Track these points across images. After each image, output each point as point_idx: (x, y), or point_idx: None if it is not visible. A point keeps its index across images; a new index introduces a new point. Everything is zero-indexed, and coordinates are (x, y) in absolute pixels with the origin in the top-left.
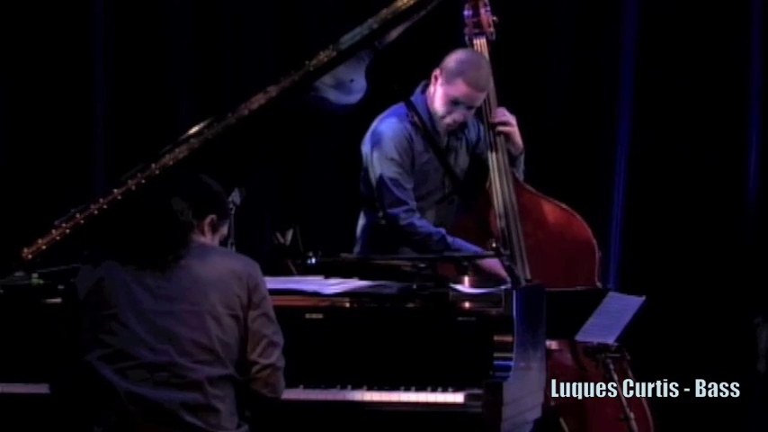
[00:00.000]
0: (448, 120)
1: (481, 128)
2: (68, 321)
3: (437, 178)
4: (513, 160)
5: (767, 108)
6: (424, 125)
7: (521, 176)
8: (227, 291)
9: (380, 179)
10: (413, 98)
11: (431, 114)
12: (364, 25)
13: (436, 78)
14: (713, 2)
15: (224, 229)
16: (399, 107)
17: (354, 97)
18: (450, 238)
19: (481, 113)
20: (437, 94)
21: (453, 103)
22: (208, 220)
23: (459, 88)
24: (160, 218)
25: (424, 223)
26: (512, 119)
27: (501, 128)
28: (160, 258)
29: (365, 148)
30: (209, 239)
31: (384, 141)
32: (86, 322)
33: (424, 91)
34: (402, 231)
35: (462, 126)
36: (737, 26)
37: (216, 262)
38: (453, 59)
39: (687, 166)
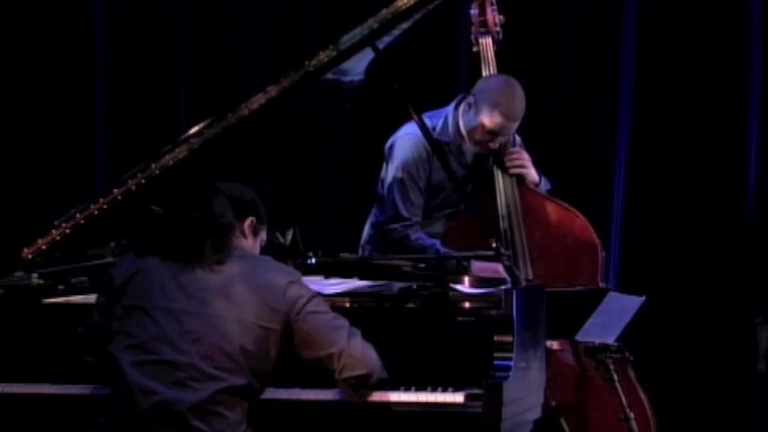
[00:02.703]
0: (482, 148)
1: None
2: (102, 310)
3: (452, 193)
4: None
5: (767, 108)
6: (443, 145)
7: (547, 186)
8: (260, 301)
9: (390, 189)
10: (446, 109)
11: (459, 131)
12: (364, 25)
13: (470, 106)
14: (713, 2)
15: (263, 234)
16: (429, 117)
17: (355, 79)
18: (443, 250)
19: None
20: (472, 123)
21: (490, 133)
22: (247, 222)
23: (496, 121)
24: (203, 217)
25: (419, 236)
26: (526, 159)
27: (513, 170)
28: (201, 259)
29: (386, 151)
30: (250, 243)
31: (403, 152)
32: (117, 310)
33: (457, 106)
34: (399, 245)
35: None
36: (737, 26)
37: (254, 272)
38: (489, 90)
39: (687, 166)
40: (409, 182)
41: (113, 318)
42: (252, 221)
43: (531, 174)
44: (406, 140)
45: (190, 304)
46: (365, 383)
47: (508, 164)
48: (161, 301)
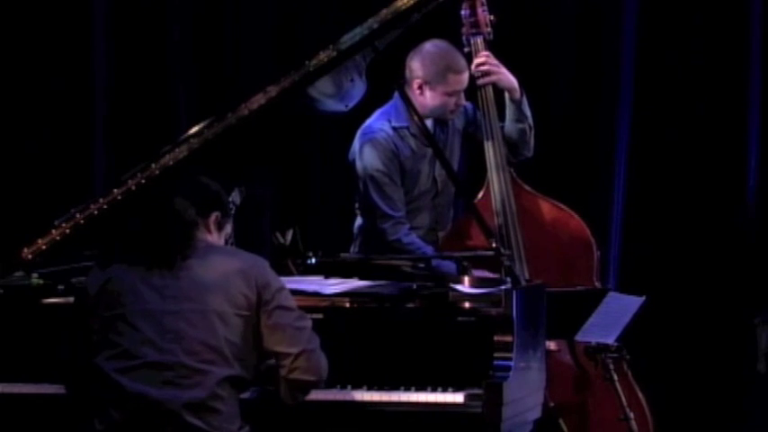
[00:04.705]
0: (456, 109)
1: (468, 111)
2: (79, 326)
3: (428, 177)
4: (517, 105)
5: (767, 108)
6: (422, 124)
7: (529, 121)
8: (234, 290)
9: (368, 190)
10: (394, 101)
11: (413, 112)
12: (364, 25)
13: (421, 88)
14: (713, 2)
15: (228, 228)
16: (381, 113)
17: (354, 100)
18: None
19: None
20: (432, 100)
21: (452, 95)
22: (212, 217)
23: (453, 81)
24: (164, 217)
25: (411, 240)
26: (494, 65)
27: (483, 80)
28: (167, 258)
29: (352, 156)
30: (215, 238)
31: (369, 151)
32: (95, 323)
33: (401, 93)
34: (390, 247)
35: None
36: (738, 26)
37: (223, 261)
38: (429, 62)
39: (687, 166)
40: (383, 178)
41: (91, 331)
42: (217, 217)
43: (506, 79)
44: (367, 141)
45: (165, 304)
46: (307, 389)
47: (476, 75)
48: (137, 306)
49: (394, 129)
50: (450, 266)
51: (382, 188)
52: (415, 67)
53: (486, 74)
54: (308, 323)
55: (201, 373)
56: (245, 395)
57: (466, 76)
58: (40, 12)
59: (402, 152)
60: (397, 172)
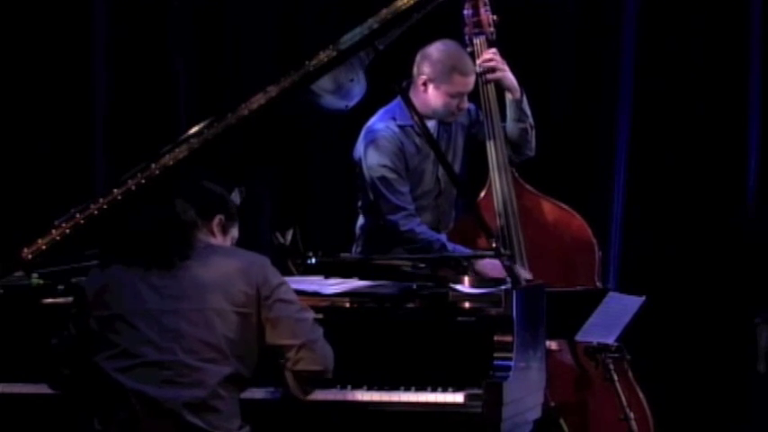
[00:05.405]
0: (458, 112)
1: (471, 112)
2: (76, 323)
3: (431, 176)
4: (518, 105)
5: (767, 108)
6: (422, 124)
7: (530, 121)
8: (232, 288)
9: (376, 187)
10: (398, 100)
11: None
12: (364, 25)
13: (425, 86)
14: (713, 2)
15: (234, 231)
16: (385, 111)
17: (354, 99)
18: (450, 245)
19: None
20: (435, 99)
21: (455, 96)
22: (216, 220)
23: (458, 82)
24: (163, 219)
25: (423, 229)
26: (500, 62)
27: (489, 76)
28: (165, 259)
29: (357, 155)
30: (220, 241)
31: (375, 148)
32: (94, 323)
33: (407, 92)
34: (402, 238)
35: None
36: (737, 26)
37: (221, 260)
38: (436, 60)
39: (687, 166)
40: (391, 174)
41: (89, 331)
42: (220, 220)
43: (509, 78)
44: (373, 140)
45: (164, 303)
46: (316, 380)
47: (480, 70)
48: (136, 306)
49: (399, 127)
50: (463, 251)
51: (391, 183)
52: (423, 64)
53: (492, 70)
54: (310, 315)
55: (201, 371)
56: (246, 395)
57: (472, 79)
58: (40, 12)
59: (407, 149)
60: (404, 169)
